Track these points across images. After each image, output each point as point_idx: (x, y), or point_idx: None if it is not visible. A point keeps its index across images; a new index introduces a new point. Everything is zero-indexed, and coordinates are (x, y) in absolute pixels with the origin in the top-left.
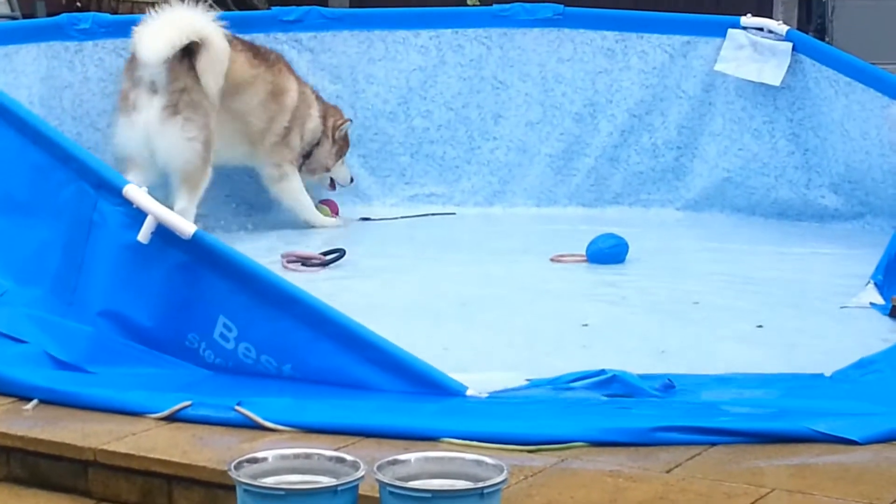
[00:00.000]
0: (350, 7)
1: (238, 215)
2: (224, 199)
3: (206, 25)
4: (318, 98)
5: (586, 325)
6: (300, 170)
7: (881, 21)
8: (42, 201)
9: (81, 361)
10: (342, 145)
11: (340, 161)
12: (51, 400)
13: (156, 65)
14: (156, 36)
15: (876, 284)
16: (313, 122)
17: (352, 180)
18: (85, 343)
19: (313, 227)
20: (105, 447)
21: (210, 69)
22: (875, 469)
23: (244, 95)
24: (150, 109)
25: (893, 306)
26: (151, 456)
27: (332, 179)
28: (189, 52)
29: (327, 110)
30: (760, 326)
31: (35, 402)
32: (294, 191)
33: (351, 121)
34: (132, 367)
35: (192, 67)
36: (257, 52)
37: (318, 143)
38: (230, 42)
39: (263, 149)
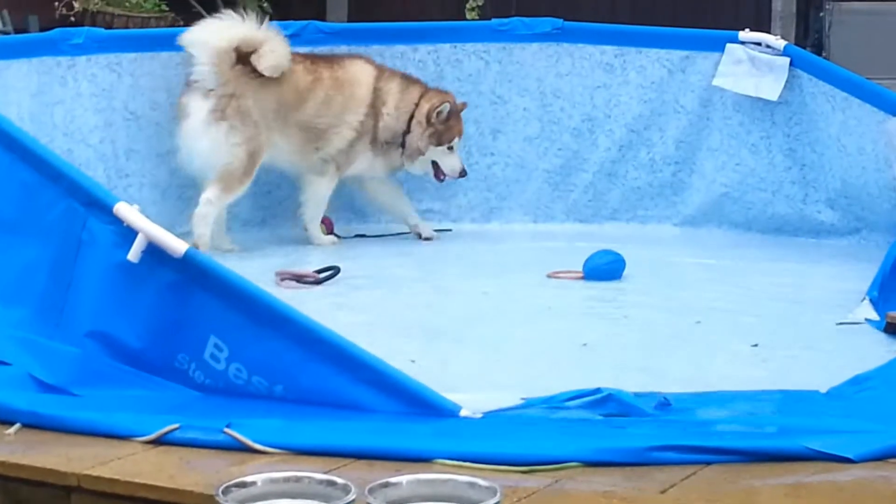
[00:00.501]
0: (349, 21)
1: (231, 231)
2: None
3: (262, 28)
4: (410, 86)
5: (585, 344)
6: (403, 164)
7: (878, 37)
8: (30, 220)
9: (67, 384)
10: (442, 130)
11: (446, 147)
12: (34, 424)
13: (207, 51)
14: (212, 26)
15: (871, 300)
16: (385, 121)
17: (463, 172)
18: (71, 365)
19: (310, 240)
20: (89, 472)
21: (268, 55)
22: (870, 487)
23: (309, 102)
24: (199, 113)
25: (888, 322)
26: (137, 481)
27: (436, 170)
28: (242, 60)
29: (423, 95)
30: (756, 345)
31: (17, 426)
32: (320, 191)
33: (449, 102)
34: (119, 390)
35: (244, 74)
36: (315, 59)
37: (408, 131)
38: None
39: (333, 146)
